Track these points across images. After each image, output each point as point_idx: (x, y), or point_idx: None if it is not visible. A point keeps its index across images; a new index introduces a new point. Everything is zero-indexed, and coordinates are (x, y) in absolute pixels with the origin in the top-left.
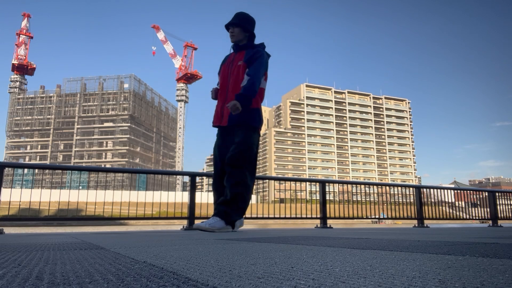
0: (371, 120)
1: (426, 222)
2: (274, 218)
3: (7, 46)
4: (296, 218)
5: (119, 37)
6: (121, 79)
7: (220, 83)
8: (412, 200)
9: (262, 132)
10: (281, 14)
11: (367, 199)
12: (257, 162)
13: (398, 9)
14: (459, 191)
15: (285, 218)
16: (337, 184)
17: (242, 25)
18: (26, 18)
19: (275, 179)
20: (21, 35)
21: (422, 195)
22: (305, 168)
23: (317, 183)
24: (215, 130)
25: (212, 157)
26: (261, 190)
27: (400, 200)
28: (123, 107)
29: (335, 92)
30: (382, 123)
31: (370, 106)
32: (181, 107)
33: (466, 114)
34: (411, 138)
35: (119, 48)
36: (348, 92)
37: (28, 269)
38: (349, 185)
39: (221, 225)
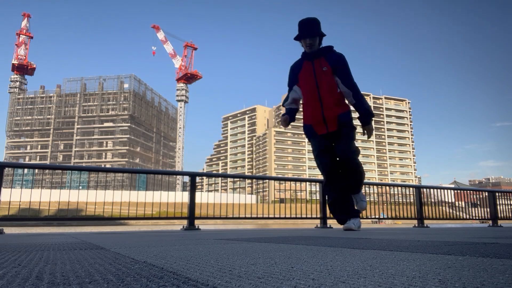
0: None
1: (426, 222)
2: (274, 218)
3: (7, 46)
4: (296, 218)
5: (119, 37)
6: (121, 79)
7: (305, 92)
8: (412, 200)
9: (262, 132)
10: (281, 14)
11: (367, 199)
12: (257, 162)
13: (398, 9)
14: (459, 191)
15: (285, 218)
16: None
17: (319, 33)
18: (26, 18)
19: (275, 179)
20: (21, 35)
21: (422, 195)
22: (305, 168)
23: (317, 183)
24: (216, 129)
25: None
26: (261, 190)
27: (400, 200)
28: (123, 107)
29: None
30: (382, 123)
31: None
32: (181, 107)
33: (466, 114)
34: (411, 138)
35: (119, 48)
36: None
37: (28, 269)
38: None
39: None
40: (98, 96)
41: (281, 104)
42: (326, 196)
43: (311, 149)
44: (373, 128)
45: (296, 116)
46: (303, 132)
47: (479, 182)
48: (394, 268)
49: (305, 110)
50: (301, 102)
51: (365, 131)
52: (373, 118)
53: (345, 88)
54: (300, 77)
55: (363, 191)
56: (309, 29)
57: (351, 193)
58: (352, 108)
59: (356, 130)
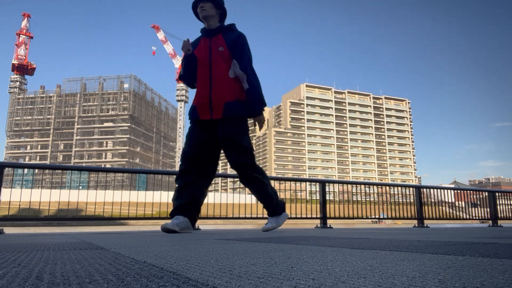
0: (371, 120)
1: (426, 222)
2: None
3: (7, 46)
4: (296, 218)
5: (119, 37)
6: (121, 79)
7: (198, 71)
8: (412, 200)
9: (262, 132)
10: (281, 13)
11: (367, 199)
12: (257, 162)
13: (398, 9)
14: (459, 191)
15: None
16: (337, 184)
17: (217, 3)
18: (26, 18)
19: (275, 179)
20: (21, 35)
21: (422, 195)
22: (305, 168)
23: (317, 183)
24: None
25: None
26: None
27: (400, 200)
28: (123, 107)
29: (335, 92)
30: (382, 123)
31: (370, 106)
32: (181, 107)
33: (466, 114)
34: (411, 138)
35: (119, 48)
36: (348, 92)
37: (28, 269)
38: (349, 185)
39: (283, 218)
40: (98, 96)
41: (281, 104)
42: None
43: (311, 149)
44: (265, 119)
45: (296, 118)
46: (303, 132)
47: (479, 182)
48: (394, 268)
49: (197, 89)
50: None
51: (256, 122)
52: (264, 108)
53: (239, 71)
54: (196, 55)
55: (361, 191)
56: None
57: (269, 211)
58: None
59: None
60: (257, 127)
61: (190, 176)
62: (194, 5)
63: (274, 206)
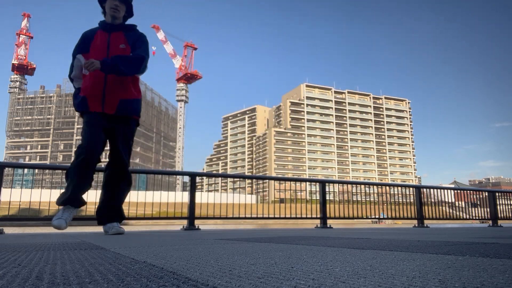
0: (371, 120)
1: (426, 222)
2: (274, 218)
3: (7, 46)
4: (296, 218)
5: None
6: None
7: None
8: (412, 200)
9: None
10: (281, 14)
11: (367, 199)
12: (257, 162)
13: (398, 9)
14: (459, 191)
15: (285, 218)
16: (337, 184)
17: (129, 2)
18: (26, 18)
19: (275, 179)
20: (21, 35)
21: (422, 195)
22: (305, 168)
23: (317, 183)
24: (216, 129)
25: (111, 148)
26: (261, 190)
27: (400, 200)
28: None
29: (335, 92)
30: (382, 123)
31: (370, 106)
32: (181, 107)
33: (466, 114)
34: (411, 138)
35: None
36: (348, 92)
37: (28, 269)
38: (349, 185)
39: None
40: None
41: (281, 104)
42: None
43: (311, 149)
44: (94, 65)
45: (296, 118)
46: (303, 132)
47: (479, 182)
48: (394, 268)
49: (84, 82)
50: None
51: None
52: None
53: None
54: (92, 47)
55: (361, 191)
56: None
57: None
58: (140, 98)
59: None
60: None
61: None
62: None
63: (122, 213)
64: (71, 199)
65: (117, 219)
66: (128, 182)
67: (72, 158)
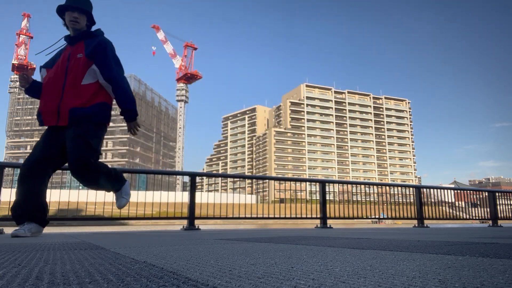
0: (371, 120)
1: (426, 222)
2: (274, 218)
3: (7, 46)
4: (296, 218)
5: (119, 37)
6: None
7: (51, 78)
8: (412, 200)
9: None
10: (281, 14)
11: (367, 199)
12: (257, 162)
13: (398, 9)
14: (459, 191)
15: (285, 218)
16: (337, 184)
17: (89, 12)
18: (26, 18)
19: (275, 179)
20: (21, 35)
21: (422, 195)
22: (305, 168)
23: (317, 183)
24: (216, 129)
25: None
26: (261, 190)
27: (400, 200)
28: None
29: (335, 92)
30: (382, 123)
31: (370, 106)
32: (181, 107)
33: (466, 114)
34: (411, 138)
35: (119, 48)
36: (348, 92)
37: (28, 269)
38: (349, 185)
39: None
40: None
41: (281, 104)
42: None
43: (311, 149)
44: (138, 124)
45: (296, 118)
46: (303, 132)
47: (479, 182)
48: (394, 268)
49: (41, 97)
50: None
51: (128, 128)
52: (137, 116)
53: (103, 81)
54: (56, 63)
55: (361, 191)
56: (80, 2)
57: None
58: (106, 101)
59: (109, 127)
60: (131, 132)
61: (34, 180)
62: (63, 9)
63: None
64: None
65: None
66: (97, 176)
67: None
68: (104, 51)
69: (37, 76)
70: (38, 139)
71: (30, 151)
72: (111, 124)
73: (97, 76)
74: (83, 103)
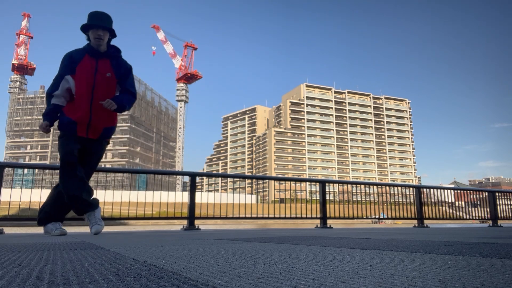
0: (371, 120)
1: (426, 222)
2: (274, 218)
3: (7, 46)
4: (296, 218)
5: (119, 37)
6: None
7: (79, 88)
8: (412, 200)
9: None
10: (281, 14)
11: (367, 199)
12: (257, 162)
13: (398, 9)
14: (459, 191)
15: (285, 218)
16: (337, 184)
17: (113, 30)
18: (26, 18)
19: (275, 179)
20: (21, 35)
21: (422, 195)
22: (305, 168)
23: (317, 183)
24: (216, 129)
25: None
26: (261, 190)
27: (400, 200)
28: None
29: (335, 92)
30: (382, 123)
31: (370, 106)
32: (181, 107)
33: (465, 115)
34: (411, 138)
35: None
36: (348, 92)
37: (28, 269)
38: (349, 185)
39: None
40: None
41: (281, 104)
42: (67, 188)
43: (311, 149)
44: (115, 107)
45: (296, 118)
46: (303, 132)
47: (479, 182)
48: (394, 268)
49: (73, 104)
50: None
51: (107, 104)
52: (119, 111)
53: (120, 102)
54: (78, 70)
55: (361, 191)
56: (104, 20)
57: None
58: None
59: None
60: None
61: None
62: (88, 28)
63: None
64: (89, 204)
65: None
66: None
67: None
68: (131, 80)
69: (44, 77)
70: (62, 142)
71: (30, 151)
72: None
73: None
74: (113, 123)
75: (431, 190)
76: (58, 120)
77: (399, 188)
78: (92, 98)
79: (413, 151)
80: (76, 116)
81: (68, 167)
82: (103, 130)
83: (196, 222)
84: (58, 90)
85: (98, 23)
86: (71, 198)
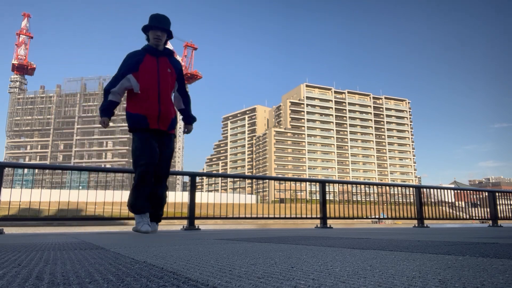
0: (371, 120)
1: (426, 222)
2: (274, 218)
3: (7, 46)
4: (296, 218)
5: (119, 37)
6: None
7: (145, 84)
8: (412, 200)
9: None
10: (281, 13)
11: (367, 199)
12: (257, 162)
13: (398, 9)
14: (459, 191)
15: (285, 218)
16: (337, 184)
17: (170, 32)
18: (26, 18)
19: (275, 179)
20: (21, 35)
21: (422, 195)
22: (305, 168)
23: (317, 183)
24: (216, 129)
25: (146, 151)
26: (261, 190)
27: (400, 200)
28: (123, 107)
29: (335, 92)
30: (382, 123)
31: (370, 106)
32: None
33: (465, 115)
34: (411, 138)
35: (119, 48)
36: (348, 92)
37: (28, 269)
38: (349, 185)
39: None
40: (98, 96)
41: (281, 104)
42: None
43: (311, 149)
44: (193, 128)
45: (296, 118)
46: (303, 132)
47: (479, 182)
48: (394, 268)
49: (139, 101)
50: (126, 94)
51: (186, 130)
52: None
53: (177, 94)
54: (141, 68)
55: (361, 191)
56: (162, 22)
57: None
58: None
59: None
60: (187, 132)
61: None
62: (148, 29)
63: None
64: (145, 206)
65: (158, 220)
66: (166, 188)
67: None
68: (182, 73)
69: (44, 77)
70: (140, 145)
71: (30, 151)
72: (111, 124)
73: (174, 89)
74: (176, 113)
75: (431, 190)
76: (126, 118)
77: (399, 188)
78: (159, 92)
79: (413, 151)
80: (146, 110)
81: (141, 184)
82: (171, 120)
83: (196, 222)
84: (115, 88)
85: (157, 25)
86: (132, 208)
